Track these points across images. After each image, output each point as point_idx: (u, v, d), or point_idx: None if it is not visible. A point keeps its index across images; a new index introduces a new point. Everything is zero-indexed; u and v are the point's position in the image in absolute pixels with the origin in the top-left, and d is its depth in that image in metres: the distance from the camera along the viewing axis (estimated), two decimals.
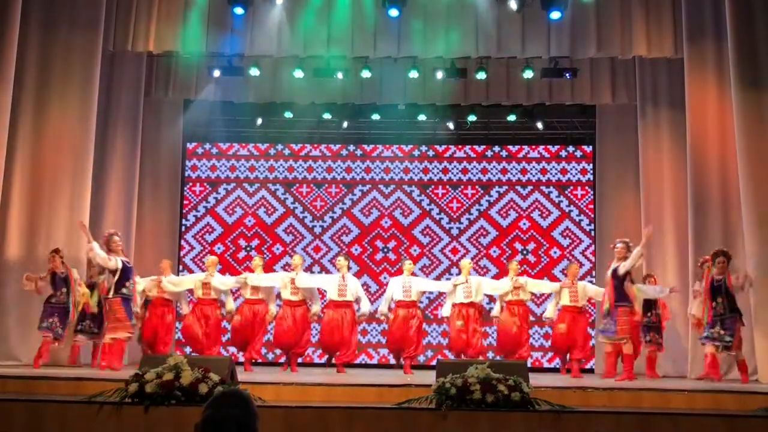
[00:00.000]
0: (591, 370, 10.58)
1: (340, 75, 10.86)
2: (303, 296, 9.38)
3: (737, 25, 8.92)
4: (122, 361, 8.83)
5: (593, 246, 11.93)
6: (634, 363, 8.90)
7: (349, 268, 9.58)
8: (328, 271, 11.80)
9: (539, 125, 12.11)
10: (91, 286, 9.20)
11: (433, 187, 12.47)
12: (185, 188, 12.46)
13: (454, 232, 12.30)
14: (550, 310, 9.72)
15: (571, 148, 12.44)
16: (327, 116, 12.18)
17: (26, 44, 9.36)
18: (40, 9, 9.59)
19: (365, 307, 9.42)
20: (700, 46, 9.61)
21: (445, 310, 9.59)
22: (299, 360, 9.70)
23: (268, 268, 10.72)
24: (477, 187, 12.42)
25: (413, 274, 9.79)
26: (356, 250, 12.30)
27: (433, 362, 10.19)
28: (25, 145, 9.47)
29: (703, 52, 9.60)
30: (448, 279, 11.43)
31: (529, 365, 7.78)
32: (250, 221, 12.44)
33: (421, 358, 11.53)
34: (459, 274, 10.15)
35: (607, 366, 9.11)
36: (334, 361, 9.37)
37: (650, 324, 9.34)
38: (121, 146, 10.93)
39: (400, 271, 9.96)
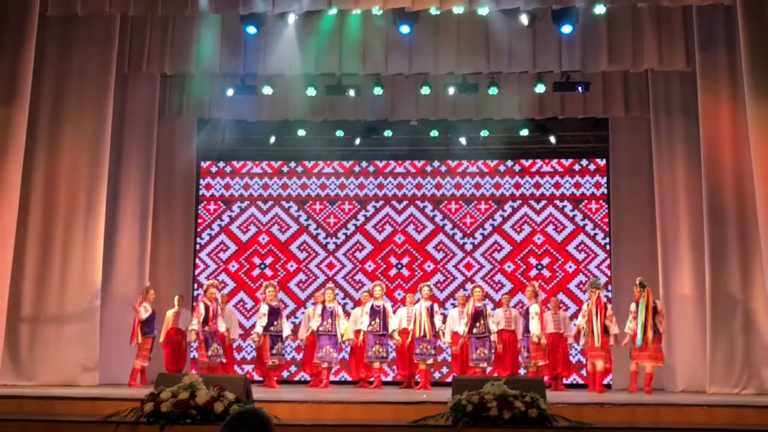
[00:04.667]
0: (608, 386, 10.48)
1: (352, 92, 10.91)
2: None
3: (749, 35, 8.84)
4: None
5: (609, 260, 11.85)
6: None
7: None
8: (341, 287, 12.02)
9: (552, 139, 12.09)
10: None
11: (446, 202, 12.45)
12: (199, 207, 12.53)
13: (468, 247, 12.26)
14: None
15: (584, 162, 12.40)
16: (340, 133, 12.24)
17: (42, 65, 9.48)
18: (55, 31, 9.72)
19: None
20: (712, 56, 9.56)
21: (447, 337, 10.37)
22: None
23: (281, 285, 11.09)
24: (490, 201, 12.39)
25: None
26: (370, 266, 12.29)
27: (449, 379, 10.15)
28: (40, 163, 9.58)
29: (716, 63, 9.55)
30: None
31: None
32: (264, 239, 12.47)
33: (437, 375, 11.47)
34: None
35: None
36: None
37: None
38: (135, 165, 11.00)
39: (412, 289, 11.14)
